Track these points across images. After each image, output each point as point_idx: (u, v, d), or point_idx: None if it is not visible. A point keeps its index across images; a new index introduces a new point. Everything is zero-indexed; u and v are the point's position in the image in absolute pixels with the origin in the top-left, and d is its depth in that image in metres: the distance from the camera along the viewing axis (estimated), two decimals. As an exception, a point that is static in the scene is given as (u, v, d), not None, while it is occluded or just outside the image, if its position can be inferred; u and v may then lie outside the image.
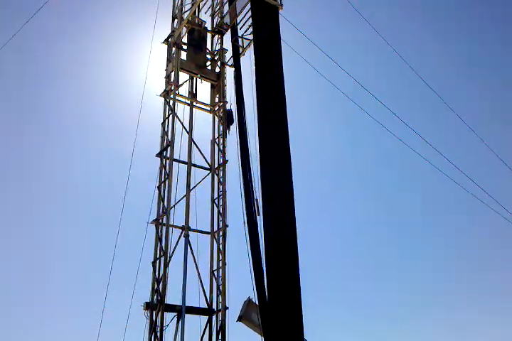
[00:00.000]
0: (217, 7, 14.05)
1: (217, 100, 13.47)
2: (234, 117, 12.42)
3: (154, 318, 10.46)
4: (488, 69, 29.95)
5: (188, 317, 10.67)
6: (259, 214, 5.40)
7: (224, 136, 12.92)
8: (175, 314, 10.60)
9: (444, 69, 28.81)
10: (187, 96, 13.19)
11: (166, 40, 13.60)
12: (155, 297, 10.70)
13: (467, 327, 24.15)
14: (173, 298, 10.70)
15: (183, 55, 13.27)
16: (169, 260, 10.96)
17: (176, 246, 11.29)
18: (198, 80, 13.44)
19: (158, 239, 11.27)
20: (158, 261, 11.05)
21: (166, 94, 12.90)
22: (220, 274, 11.54)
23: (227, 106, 13.14)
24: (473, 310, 24.98)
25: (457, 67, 30.08)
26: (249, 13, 12.48)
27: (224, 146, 12.82)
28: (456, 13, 29.90)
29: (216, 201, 12.41)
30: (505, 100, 29.55)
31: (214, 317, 11.19)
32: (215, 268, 11.72)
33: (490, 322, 24.08)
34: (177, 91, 12.71)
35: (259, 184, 5.82)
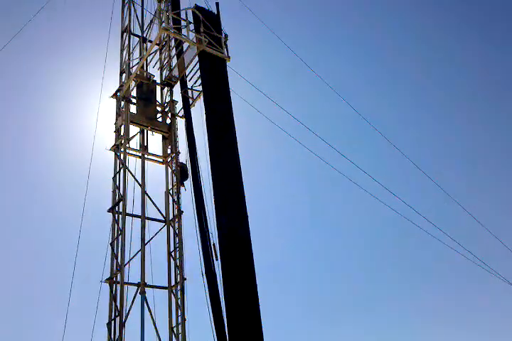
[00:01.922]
0: (166, 60, 14.26)
1: (169, 151, 13.39)
2: (187, 171, 12.34)
3: (111, 385, 9.79)
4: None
5: (147, 380, 10.06)
6: (217, 259, 5.25)
7: (178, 187, 12.76)
8: (133, 378, 9.97)
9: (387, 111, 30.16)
10: (138, 149, 13.06)
11: (115, 94, 13.58)
12: (111, 361, 10.06)
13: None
14: (130, 360, 10.11)
15: (133, 108, 13.25)
16: (125, 320, 10.42)
17: (132, 304, 10.79)
18: (149, 133, 13.38)
19: (113, 298, 10.75)
20: (113, 322, 10.48)
21: (116, 148, 12.73)
22: (180, 330, 11.05)
23: (180, 158, 13.08)
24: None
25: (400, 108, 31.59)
26: (198, 65, 12.75)
27: (178, 198, 12.63)
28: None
29: (173, 254, 12.06)
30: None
31: (175, 379, 10.59)
32: (174, 324, 11.22)
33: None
34: (128, 145, 12.58)
35: (216, 233, 5.70)
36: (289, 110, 11.68)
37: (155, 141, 13.56)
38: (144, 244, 11.70)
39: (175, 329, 11.15)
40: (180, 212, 12.40)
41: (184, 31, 12.71)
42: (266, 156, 26.76)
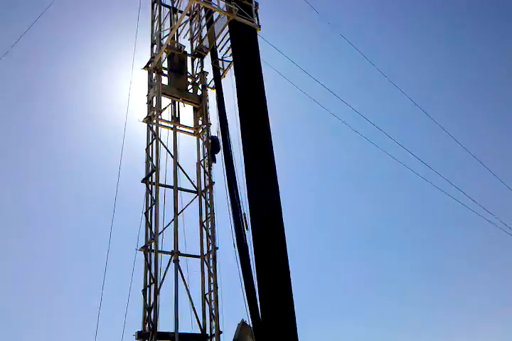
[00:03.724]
0: (196, 31, 14.17)
1: (200, 123, 13.48)
2: (219, 142, 12.40)
3: (147, 347, 10.20)
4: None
5: (182, 344, 10.43)
6: (247, 229, 5.34)
7: (209, 158, 12.89)
8: (168, 342, 10.36)
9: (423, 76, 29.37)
10: (170, 120, 13.18)
11: (147, 66, 13.63)
12: (147, 325, 10.46)
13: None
14: (165, 325, 10.48)
15: (164, 80, 13.32)
16: (159, 287, 10.76)
17: (165, 272, 11.11)
18: (181, 104, 13.47)
19: (148, 266, 11.08)
20: (148, 289, 10.83)
21: (148, 120, 12.87)
22: (213, 298, 11.36)
23: (211, 129, 13.15)
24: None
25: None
26: (228, 35, 12.63)
27: (210, 168, 12.78)
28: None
29: (205, 224, 12.30)
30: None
31: (208, 343, 10.97)
32: (206, 291, 11.54)
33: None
34: (160, 116, 12.70)
35: (247, 203, 5.78)
36: (319, 79, 11.52)
37: (186, 113, 13.67)
38: (176, 213, 11.95)
39: (207, 296, 11.47)
40: (211, 183, 12.57)
41: (214, 0, 12.57)
42: (296, 128, 26.60)
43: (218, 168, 12.21)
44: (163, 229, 11.53)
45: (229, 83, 12.07)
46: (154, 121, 12.55)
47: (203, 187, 12.67)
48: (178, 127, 13.21)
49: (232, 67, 12.58)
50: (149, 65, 13.58)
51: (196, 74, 14.01)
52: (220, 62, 13.30)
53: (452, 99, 30.46)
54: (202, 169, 12.93)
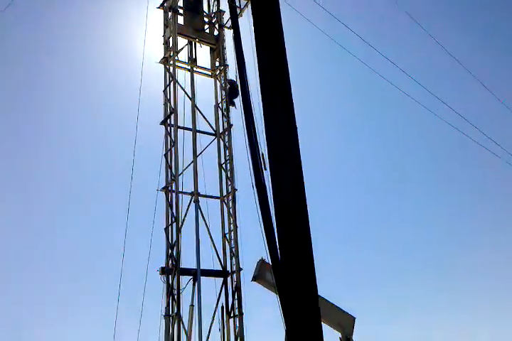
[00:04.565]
0: (212, -33, 13.64)
1: (217, 64, 13.29)
2: (237, 87, 12.24)
3: (171, 282, 10.72)
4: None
5: (203, 279, 10.93)
6: (266, 169, 5.42)
7: (227, 100, 12.82)
8: (190, 277, 10.86)
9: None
10: (187, 61, 13.02)
11: (162, 5, 13.30)
12: (170, 262, 10.92)
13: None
14: (187, 262, 10.95)
15: (180, 20, 13.02)
16: (181, 225, 11.13)
17: (186, 212, 11.45)
18: (197, 45, 13.23)
19: (169, 205, 11.40)
20: (170, 227, 11.21)
21: (165, 61, 12.73)
22: (233, 237, 11.74)
23: (229, 72, 12.98)
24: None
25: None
26: (245, -28, 12.14)
27: (228, 111, 12.76)
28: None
29: (223, 166, 12.46)
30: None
31: (229, 279, 11.46)
32: (226, 231, 11.90)
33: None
34: (176, 57, 12.53)
35: (265, 146, 5.83)
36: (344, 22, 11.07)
37: (203, 55, 13.45)
38: (195, 155, 12.10)
39: (227, 236, 11.85)
40: (229, 126, 12.59)
41: None
42: (317, 70, 26.01)
43: (236, 112, 12.19)
44: (183, 170, 11.73)
45: (246, 23, 11.76)
46: (171, 62, 12.42)
47: (221, 130, 12.72)
48: (195, 68, 13.06)
49: (249, 5, 12.18)
50: (164, 4, 13.24)
51: (212, 13, 13.64)
52: (237, 0, 12.87)
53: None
54: (220, 111, 12.91)
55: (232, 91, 12.61)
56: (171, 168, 11.64)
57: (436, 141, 28.42)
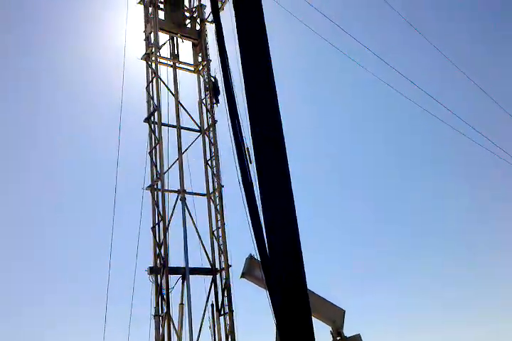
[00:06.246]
0: (191, -40, 13.44)
1: (200, 59, 13.12)
2: (219, 83, 12.09)
3: (159, 282, 10.57)
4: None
5: (192, 278, 10.81)
6: (251, 162, 5.29)
7: (211, 96, 12.65)
8: (179, 276, 10.73)
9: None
10: (169, 57, 12.83)
11: (142, 1, 13.07)
12: (158, 261, 10.77)
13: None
14: (175, 261, 10.82)
15: (161, 15, 12.81)
16: (168, 224, 10.97)
17: (173, 210, 11.29)
18: (179, 40, 13.04)
19: (155, 204, 11.23)
20: (157, 226, 11.05)
21: (147, 57, 12.52)
22: (220, 234, 11.61)
23: (212, 67, 12.82)
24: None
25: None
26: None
27: (212, 107, 12.60)
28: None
29: (209, 162, 12.31)
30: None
31: (218, 276, 11.35)
32: (214, 228, 11.77)
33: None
34: (158, 53, 12.34)
35: (250, 140, 5.71)
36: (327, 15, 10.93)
37: (186, 50, 13.25)
38: (180, 152, 11.94)
39: (215, 233, 11.72)
40: (214, 122, 12.44)
41: None
42: (298, 64, 25.87)
43: (220, 108, 12.04)
44: (169, 168, 11.57)
45: (228, 17, 11.59)
46: (153, 58, 12.22)
47: (205, 126, 12.56)
48: (177, 64, 12.88)
49: (230, -2, 12.02)
50: (144, -1, 13.01)
51: (194, 7, 13.44)
52: (218, -7, 12.70)
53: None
54: (204, 107, 12.75)
55: (215, 89, 12.47)
56: (156, 166, 11.47)
57: (436, 140, 28.44)
